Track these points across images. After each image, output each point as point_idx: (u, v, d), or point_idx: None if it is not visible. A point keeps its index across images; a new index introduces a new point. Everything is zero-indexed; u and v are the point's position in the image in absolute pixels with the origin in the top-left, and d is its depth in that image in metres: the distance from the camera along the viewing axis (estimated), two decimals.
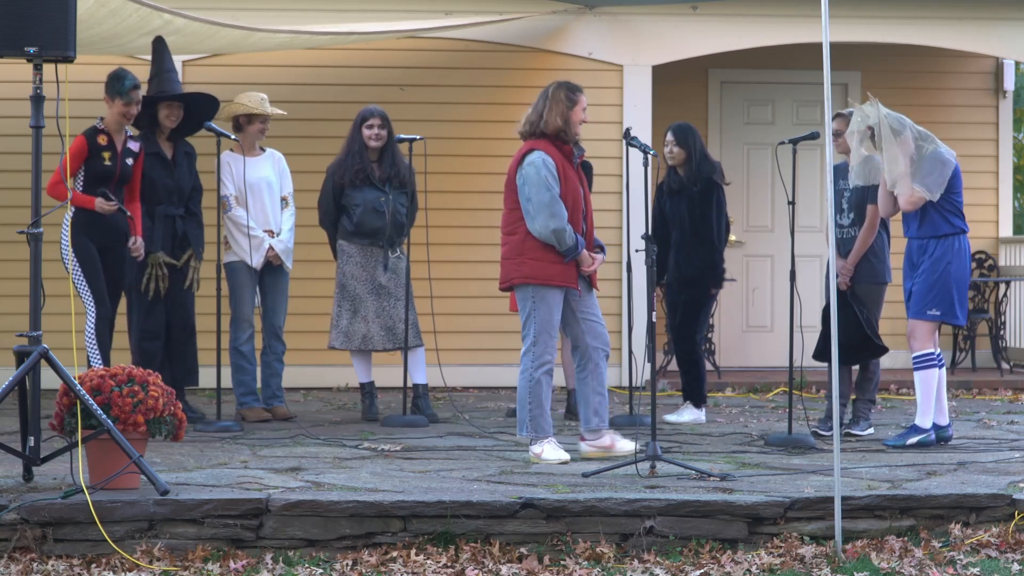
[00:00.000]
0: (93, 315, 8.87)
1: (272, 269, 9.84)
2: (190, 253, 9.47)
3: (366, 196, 9.80)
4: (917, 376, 8.67)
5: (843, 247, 9.16)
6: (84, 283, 8.84)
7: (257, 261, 9.70)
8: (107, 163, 8.95)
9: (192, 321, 9.54)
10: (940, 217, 8.62)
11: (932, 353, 8.62)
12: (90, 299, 8.87)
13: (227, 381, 9.67)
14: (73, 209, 8.78)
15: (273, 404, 9.85)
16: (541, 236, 7.85)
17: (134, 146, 9.13)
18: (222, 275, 9.58)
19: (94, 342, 8.87)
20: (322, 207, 9.99)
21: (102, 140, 8.97)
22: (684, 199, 9.83)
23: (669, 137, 9.90)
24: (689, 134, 9.88)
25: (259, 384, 9.94)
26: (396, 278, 9.86)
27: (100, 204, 8.85)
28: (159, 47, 9.54)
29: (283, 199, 9.93)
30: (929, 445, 8.57)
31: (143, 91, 9.15)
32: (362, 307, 9.85)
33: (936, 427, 8.67)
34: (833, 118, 9.08)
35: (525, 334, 7.94)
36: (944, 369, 8.71)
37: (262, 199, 9.79)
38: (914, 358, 8.66)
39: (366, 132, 9.84)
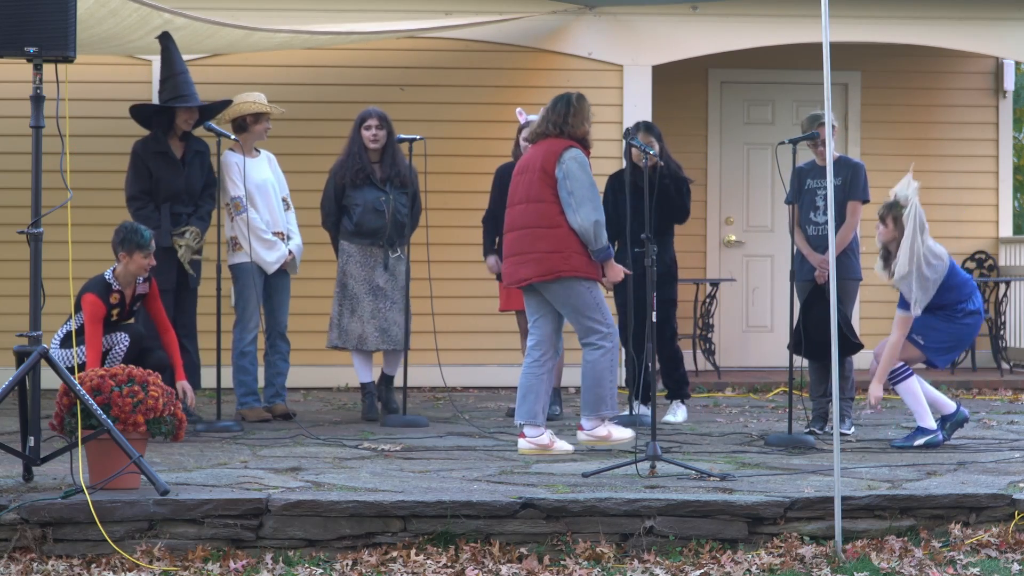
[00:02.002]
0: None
1: (275, 270, 9.83)
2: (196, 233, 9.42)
3: (366, 196, 9.80)
4: (898, 389, 8.76)
5: (820, 245, 9.15)
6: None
7: (274, 265, 9.69)
8: (114, 318, 8.72)
9: (194, 328, 9.51)
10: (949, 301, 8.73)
11: (902, 365, 8.69)
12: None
13: (226, 381, 9.66)
14: (76, 326, 8.57)
15: (275, 402, 9.84)
16: (581, 228, 7.98)
17: (143, 288, 8.77)
18: (223, 275, 9.56)
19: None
20: (324, 208, 9.99)
21: (114, 299, 8.66)
22: (653, 196, 9.72)
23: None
24: (655, 135, 9.80)
25: (261, 383, 9.93)
26: (394, 280, 9.85)
27: None
28: (168, 45, 9.36)
29: (283, 200, 9.92)
30: (937, 445, 8.57)
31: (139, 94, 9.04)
32: (359, 307, 9.84)
33: (947, 418, 8.68)
34: (818, 122, 9.07)
35: (591, 324, 8.08)
36: (914, 377, 8.73)
37: (269, 201, 9.77)
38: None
39: (364, 133, 9.84)
